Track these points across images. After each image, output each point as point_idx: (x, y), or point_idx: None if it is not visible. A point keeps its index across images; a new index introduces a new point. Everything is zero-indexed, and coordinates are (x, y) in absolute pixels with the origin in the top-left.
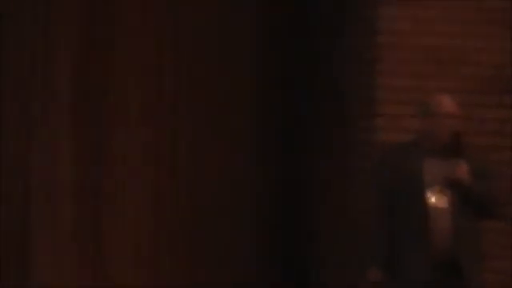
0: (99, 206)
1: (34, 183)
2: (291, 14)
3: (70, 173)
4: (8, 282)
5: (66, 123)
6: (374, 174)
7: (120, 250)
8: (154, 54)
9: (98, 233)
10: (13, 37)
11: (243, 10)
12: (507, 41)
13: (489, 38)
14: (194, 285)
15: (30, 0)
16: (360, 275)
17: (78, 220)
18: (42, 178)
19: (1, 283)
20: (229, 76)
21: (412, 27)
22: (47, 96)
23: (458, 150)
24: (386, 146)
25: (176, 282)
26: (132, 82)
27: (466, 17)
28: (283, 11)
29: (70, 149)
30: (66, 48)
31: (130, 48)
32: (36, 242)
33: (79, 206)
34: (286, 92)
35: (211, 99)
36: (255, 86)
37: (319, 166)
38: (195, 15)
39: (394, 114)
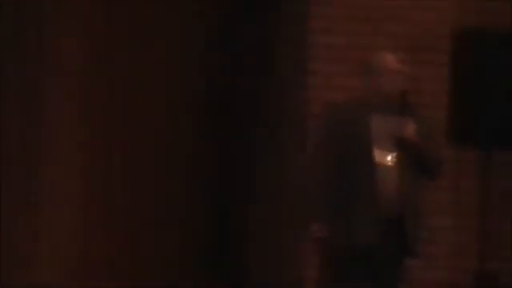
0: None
1: None
2: None
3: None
4: None
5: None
6: (318, 132)
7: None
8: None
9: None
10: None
11: None
12: None
13: None
14: None
15: None
16: (305, 232)
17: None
18: None
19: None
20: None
21: None
22: None
23: (405, 108)
24: (330, 105)
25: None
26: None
27: None
28: None
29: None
30: None
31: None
32: None
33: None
34: (216, 59)
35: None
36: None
37: (254, 131)
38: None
39: (328, 71)
